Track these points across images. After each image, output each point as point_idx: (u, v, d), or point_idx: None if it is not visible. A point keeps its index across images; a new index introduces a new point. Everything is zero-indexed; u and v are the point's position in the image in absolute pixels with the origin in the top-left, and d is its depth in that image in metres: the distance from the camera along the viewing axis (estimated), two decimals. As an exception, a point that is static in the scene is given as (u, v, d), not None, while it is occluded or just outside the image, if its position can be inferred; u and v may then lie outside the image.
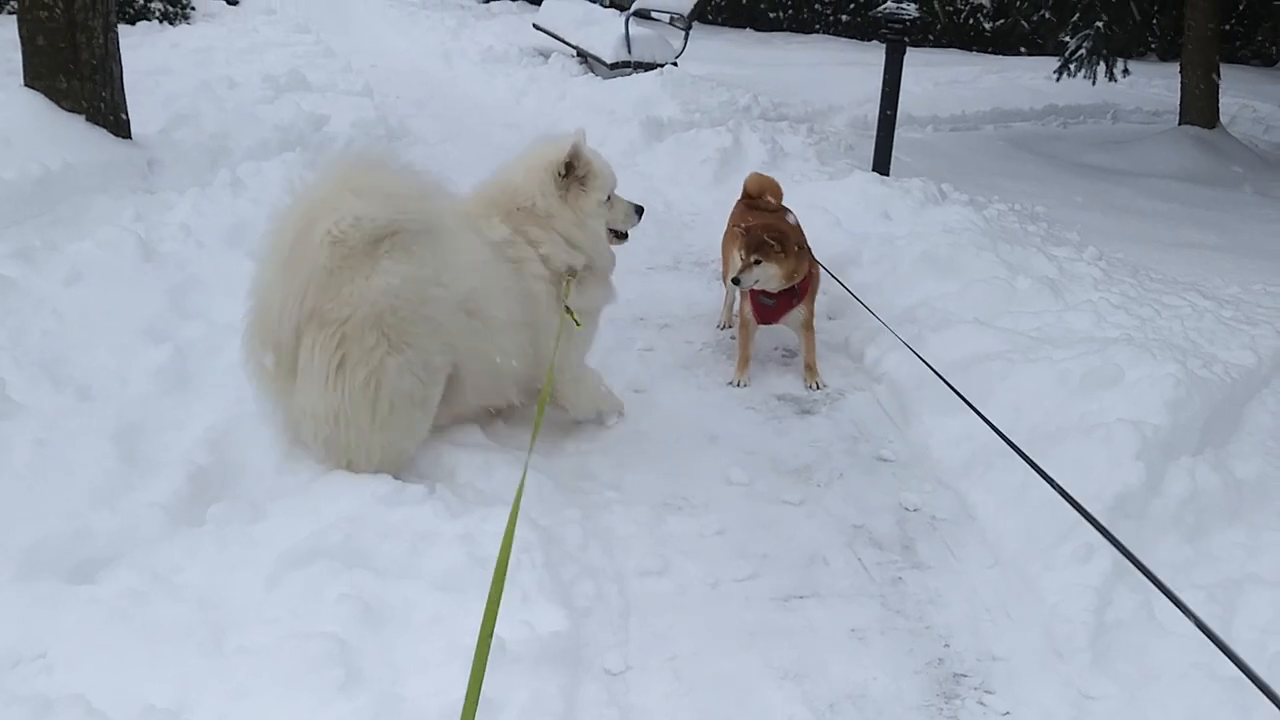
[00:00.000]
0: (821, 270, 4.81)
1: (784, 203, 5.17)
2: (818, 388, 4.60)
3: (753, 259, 4.37)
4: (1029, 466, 3.62)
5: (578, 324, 3.63)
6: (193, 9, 13.72)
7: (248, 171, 6.07)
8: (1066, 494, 2.62)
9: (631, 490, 3.57)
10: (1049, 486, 3.53)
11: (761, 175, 5.31)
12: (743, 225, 4.60)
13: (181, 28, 12.78)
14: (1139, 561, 2.34)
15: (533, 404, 3.59)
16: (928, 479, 3.85)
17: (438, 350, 3.21)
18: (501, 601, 2.55)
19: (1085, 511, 2.55)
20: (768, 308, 4.58)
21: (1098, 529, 2.53)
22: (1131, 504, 3.46)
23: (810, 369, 4.66)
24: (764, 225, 4.51)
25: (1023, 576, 3.25)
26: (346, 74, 10.04)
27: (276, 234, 3.14)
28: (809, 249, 4.69)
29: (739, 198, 5.19)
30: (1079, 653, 2.93)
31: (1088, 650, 2.93)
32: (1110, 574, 3.13)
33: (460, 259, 3.36)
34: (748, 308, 4.62)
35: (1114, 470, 3.49)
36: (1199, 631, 3.03)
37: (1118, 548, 2.45)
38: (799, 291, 4.56)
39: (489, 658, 1.96)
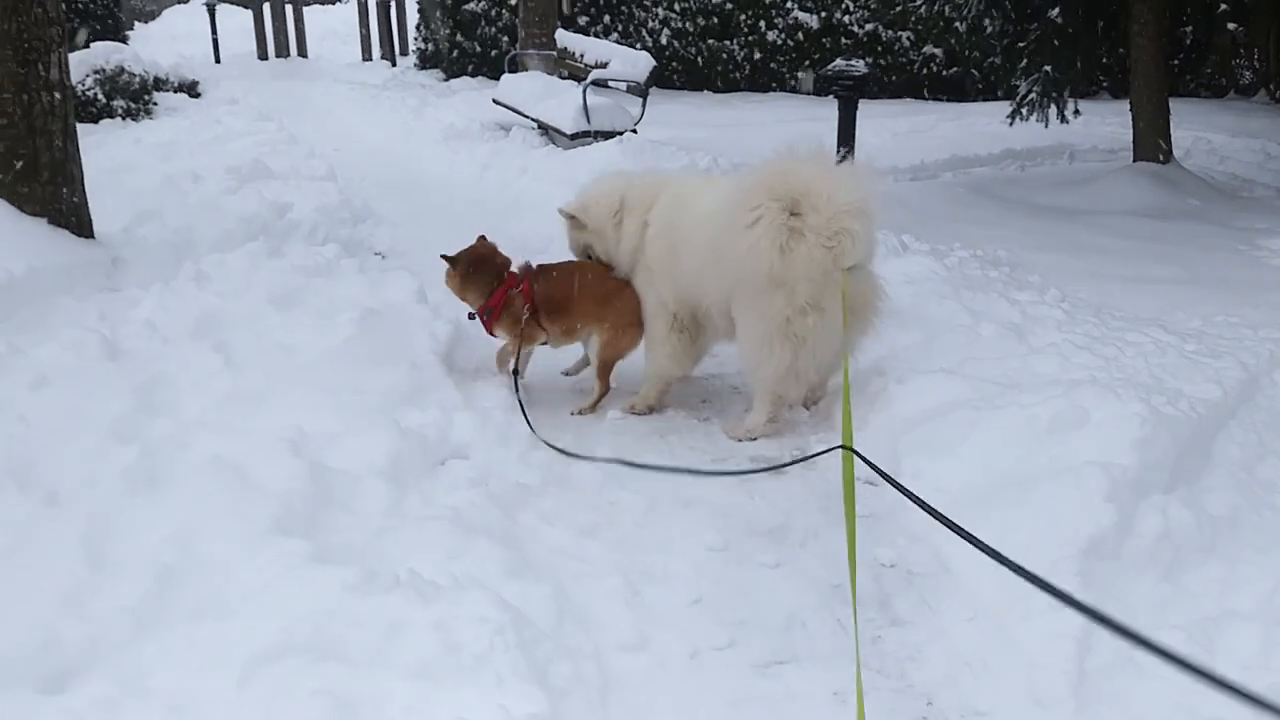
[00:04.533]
0: None
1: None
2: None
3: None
4: (1002, 516, 3.65)
5: None
6: (155, 104, 13.84)
7: (212, 264, 6.07)
8: (1006, 560, 2.61)
9: (601, 562, 3.55)
10: (1023, 534, 3.56)
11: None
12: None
13: (145, 123, 12.89)
14: (1100, 614, 2.32)
15: None
16: (901, 533, 3.85)
17: None
18: (475, 687, 2.54)
19: (1034, 577, 2.53)
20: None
21: (1052, 593, 2.52)
22: (1105, 546, 3.47)
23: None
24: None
25: (1001, 627, 3.24)
26: (310, 159, 10.11)
27: None
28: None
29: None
30: (1061, 702, 2.92)
31: (1070, 699, 2.92)
32: (1088, 621, 3.12)
33: None
34: None
35: (1085, 513, 3.50)
36: (1181, 673, 3.04)
37: (1080, 608, 2.45)
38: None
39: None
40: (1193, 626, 3.21)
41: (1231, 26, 10.42)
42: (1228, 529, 3.84)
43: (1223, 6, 10.13)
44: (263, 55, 21.77)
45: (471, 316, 4.99)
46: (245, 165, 8.94)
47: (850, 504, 3.14)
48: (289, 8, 22.26)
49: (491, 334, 5.01)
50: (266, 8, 21.86)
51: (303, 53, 22.51)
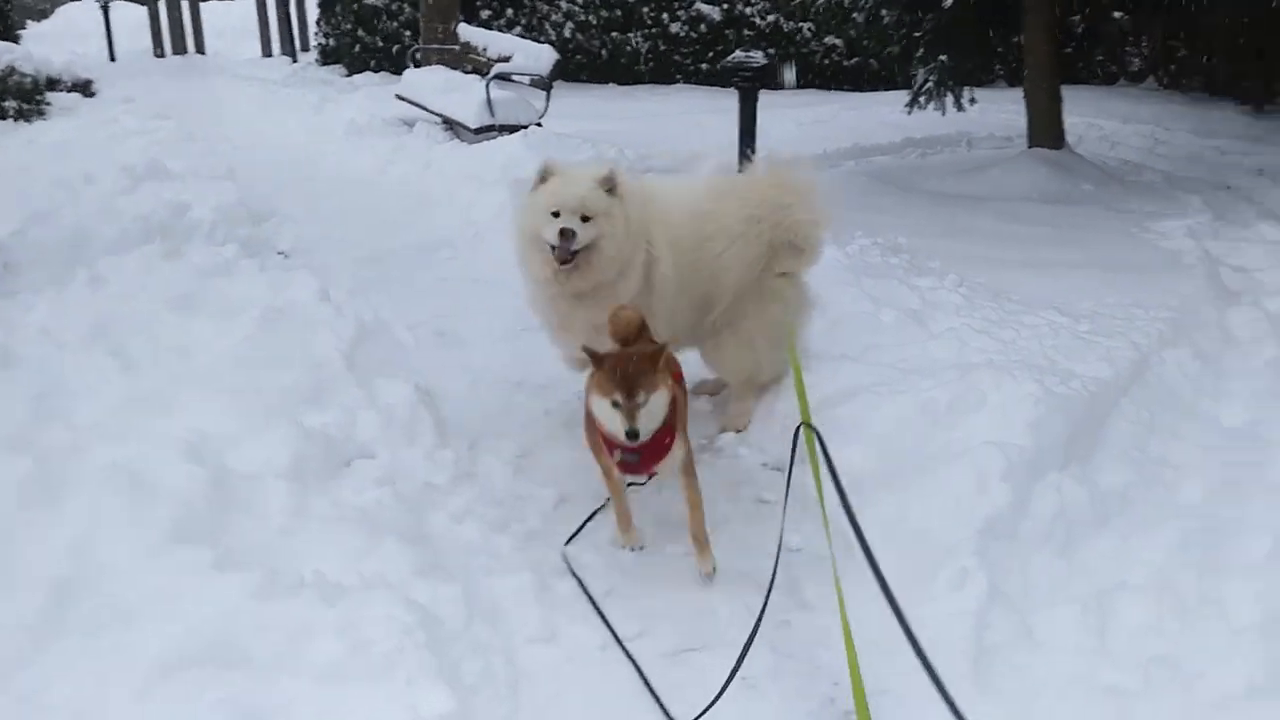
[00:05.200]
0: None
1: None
2: (712, 573, 3.58)
3: (639, 399, 3.28)
4: (903, 498, 3.73)
5: None
6: (48, 105, 13.45)
7: (108, 267, 5.90)
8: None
9: (511, 558, 3.55)
10: (923, 515, 3.65)
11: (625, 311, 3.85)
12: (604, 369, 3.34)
13: (38, 124, 12.51)
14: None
15: None
16: (808, 518, 3.91)
17: None
18: (384, 687, 2.52)
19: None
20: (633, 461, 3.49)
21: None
22: (1002, 525, 3.57)
23: (699, 542, 3.61)
24: (621, 354, 3.46)
25: (904, 607, 3.31)
26: (208, 158, 9.90)
27: None
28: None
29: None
30: (963, 677, 2.99)
31: (970, 675, 3.00)
32: (985, 597, 3.21)
33: None
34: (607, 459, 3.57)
35: (982, 494, 3.60)
36: (1077, 645, 3.15)
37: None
38: (667, 426, 3.44)
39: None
40: (1087, 599, 3.32)
41: (1117, 15, 10.72)
42: (1120, 504, 3.98)
43: (1109, -4, 10.42)
44: (159, 52, 21.26)
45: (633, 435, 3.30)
46: (141, 165, 8.70)
47: (817, 476, 3.23)
48: (185, 3, 21.76)
49: (660, 458, 3.51)
50: (162, 4, 21.34)
51: (200, 49, 22.03)
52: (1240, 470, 4.30)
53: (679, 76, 18.93)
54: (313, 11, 21.62)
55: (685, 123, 13.23)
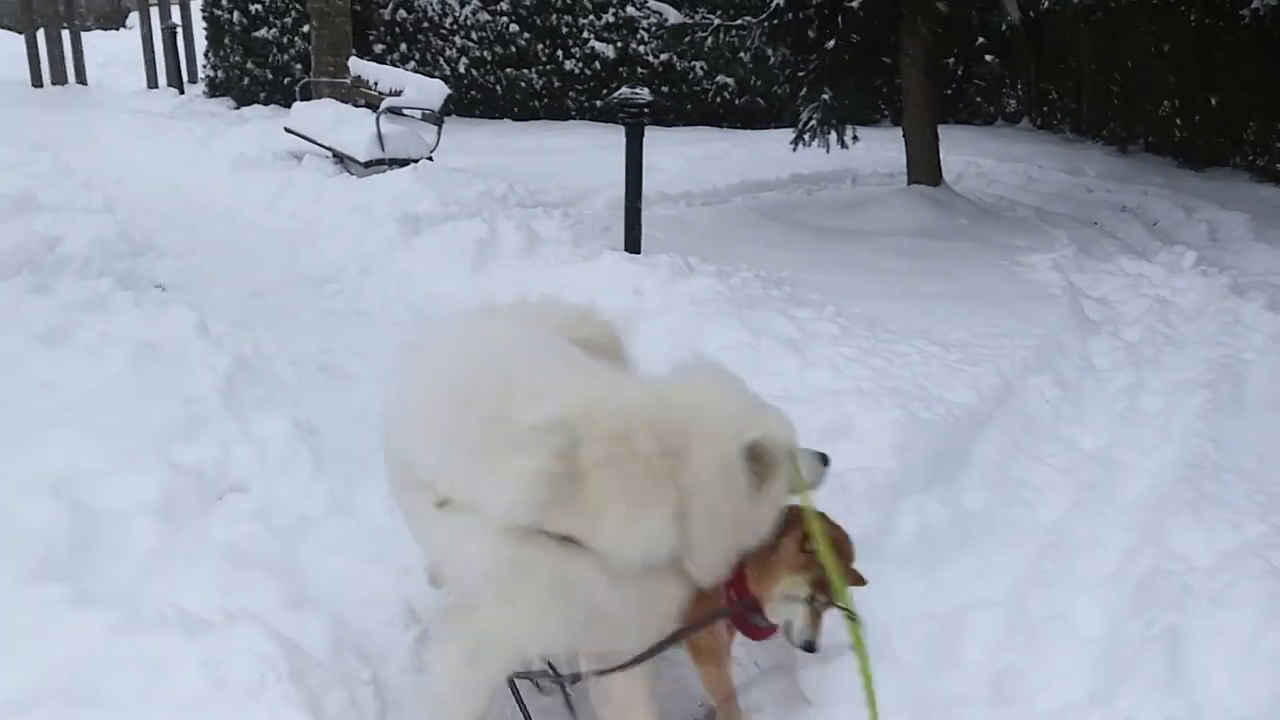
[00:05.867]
0: None
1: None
2: None
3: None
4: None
5: None
6: (-87, 133, 12.99)
7: (-28, 301, 5.76)
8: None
9: (384, 589, 3.54)
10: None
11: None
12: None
13: (-98, 154, 12.05)
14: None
15: None
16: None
17: None
18: (245, 721, 2.50)
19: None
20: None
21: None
22: (868, 545, 3.67)
23: None
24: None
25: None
26: (86, 191, 9.65)
27: None
28: None
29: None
30: (822, 692, 3.07)
31: (829, 688, 3.07)
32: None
33: None
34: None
35: (848, 516, 3.69)
36: (932, 659, 3.25)
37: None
38: None
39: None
40: (945, 615, 3.44)
41: (989, 59, 11.14)
42: (981, 524, 4.14)
43: (980, 40, 10.82)
44: (37, 83, 20.64)
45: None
46: (11, 197, 8.47)
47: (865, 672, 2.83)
48: (66, 33, 21.20)
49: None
50: (40, 32, 20.76)
51: (82, 80, 21.45)
52: (1094, 491, 4.51)
53: (574, 112, 19.08)
54: (201, 43, 21.28)
55: (579, 159, 13.33)
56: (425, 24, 18.49)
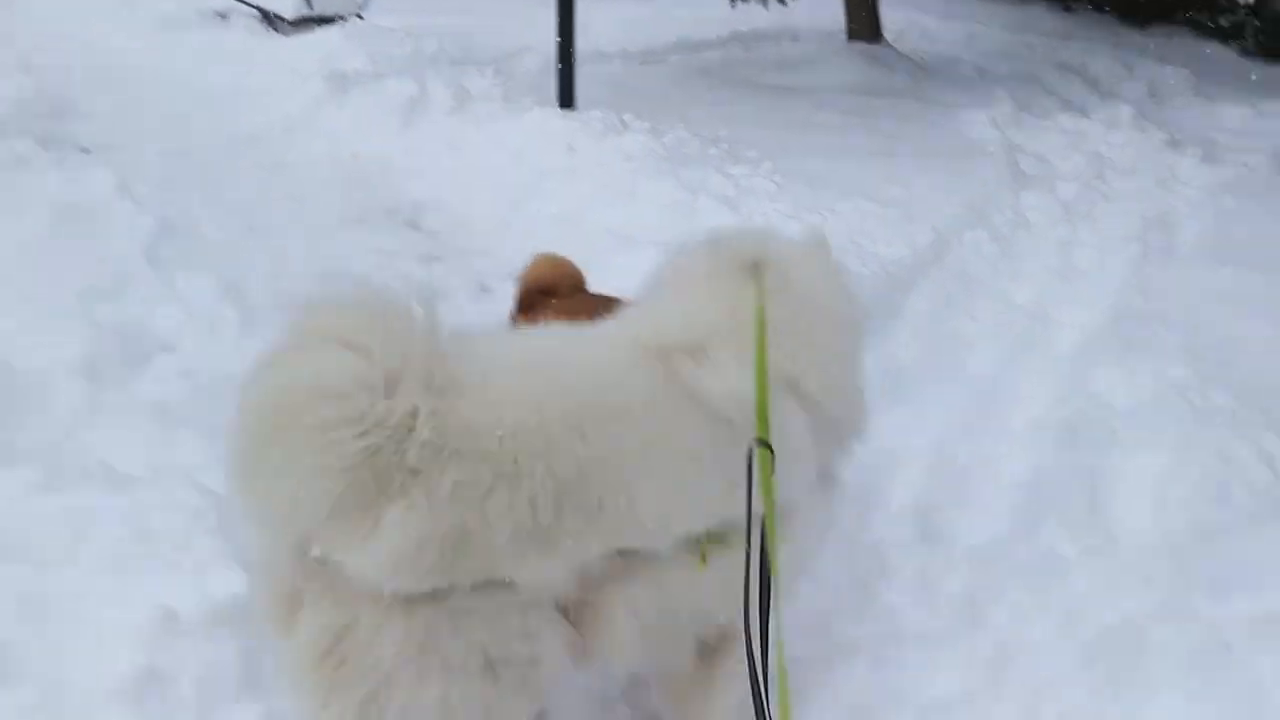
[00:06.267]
0: None
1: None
2: None
3: None
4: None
5: None
6: None
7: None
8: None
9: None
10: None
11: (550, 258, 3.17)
12: None
13: None
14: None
15: None
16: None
17: None
18: (174, 573, 2.51)
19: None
20: None
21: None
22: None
23: None
24: None
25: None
26: (0, 50, 9.24)
27: None
28: None
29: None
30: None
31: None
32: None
33: None
34: None
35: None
36: (859, 500, 3.32)
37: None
38: None
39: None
40: (873, 462, 3.49)
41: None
42: (913, 376, 4.19)
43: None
44: (-60, -64, 19.55)
45: None
46: (-82, 56, 8.11)
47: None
48: (-34, -118, 20.02)
49: None
50: (-61, -118, 19.58)
51: (-12, -66, 20.35)
52: (1024, 343, 4.58)
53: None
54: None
55: (513, 18, 12.93)
56: (351, -127, 17.69)
